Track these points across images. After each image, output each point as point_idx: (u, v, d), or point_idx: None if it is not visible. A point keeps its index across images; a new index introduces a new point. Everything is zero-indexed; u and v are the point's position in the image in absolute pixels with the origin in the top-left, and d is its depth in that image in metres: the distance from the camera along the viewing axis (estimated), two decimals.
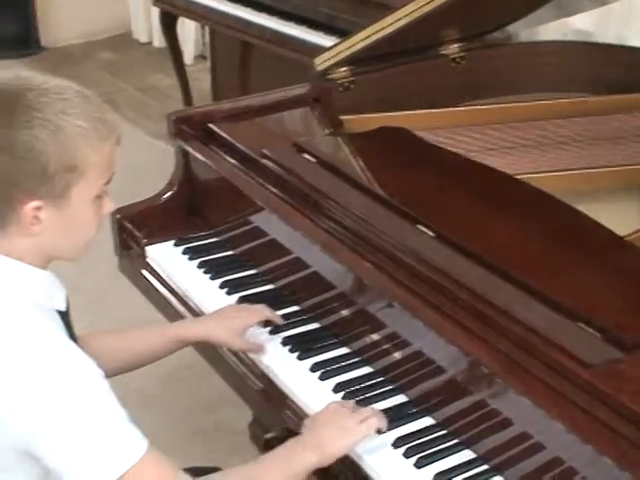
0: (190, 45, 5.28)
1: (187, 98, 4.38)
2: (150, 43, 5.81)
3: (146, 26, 5.78)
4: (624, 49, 2.48)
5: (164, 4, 4.03)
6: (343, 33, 3.30)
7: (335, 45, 2.16)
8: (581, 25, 3.22)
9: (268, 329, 1.77)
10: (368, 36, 2.09)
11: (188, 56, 5.13)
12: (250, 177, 1.88)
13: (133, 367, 1.70)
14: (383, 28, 2.07)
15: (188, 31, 5.24)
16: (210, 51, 4.53)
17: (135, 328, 1.76)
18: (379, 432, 1.49)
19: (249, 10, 3.66)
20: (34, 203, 1.29)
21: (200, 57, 5.47)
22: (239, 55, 4.12)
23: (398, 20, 2.04)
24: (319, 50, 3.25)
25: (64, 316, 1.40)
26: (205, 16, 3.90)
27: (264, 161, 1.87)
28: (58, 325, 1.36)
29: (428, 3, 2.00)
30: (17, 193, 1.29)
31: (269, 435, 2.49)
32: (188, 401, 2.85)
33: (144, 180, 2.90)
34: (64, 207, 1.32)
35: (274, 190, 1.83)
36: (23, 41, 5.64)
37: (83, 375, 1.29)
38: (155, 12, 5.50)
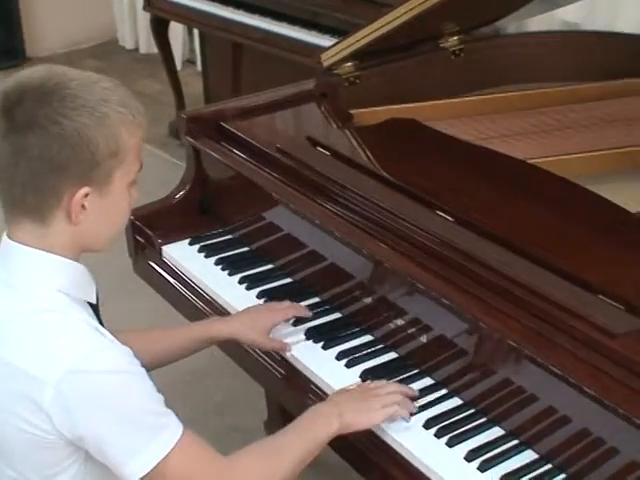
0: (178, 50, 5.29)
1: (180, 103, 4.41)
2: (137, 49, 5.82)
3: (132, 32, 5.80)
4: (620, 36, 2.52)
5: (155, 9, 4.06)
6: (334, 31, 3.37)
7: (340, 41, 2.20)
8: (568, 17, 3.27)
9: (291, 321, 1.80)
10: (371, 32, 2.13)
11: (176, 61, 5.15)
12: (265, 171, 1.91)
13: (161, 364, 1.72)
14: (386, 24, 2.11)
15: (175, 37, 5.26)
16: (201, 55, 4.57)
17: (163, 327, 1.79)
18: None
19: (241, 12, 3.70)
20: (83, 190, 1.32)
21: (188, 62, 5.50)
22: (230, 57, 4.16)
23: (401, 16, 2.08)
24: (312, 48, 3.33)
25: (95, 309, 1.43)
26: (196, 19, 3.94)
27: (279, 155, 1.90)
28: (90, 315, 1.40)
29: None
30: (67, 182, 1.32)
31: None
32: (197, 404, 2.84)
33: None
34: (106, 194, 1.36)
35: (290, 183, 1.86)
36: (8, 52, 5.64)
37: (121, 362, 1.32)
38: (141, 18, 5.55)
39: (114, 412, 1.30)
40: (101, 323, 1.45)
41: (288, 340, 1.75)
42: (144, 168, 1.44)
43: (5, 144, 1.31)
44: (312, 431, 1.48)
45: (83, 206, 1.34)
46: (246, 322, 1.74)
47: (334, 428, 1.48)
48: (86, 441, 1.32)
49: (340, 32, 3.35)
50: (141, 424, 1.32)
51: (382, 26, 2.10)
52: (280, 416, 2.52)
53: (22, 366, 1.30)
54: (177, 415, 1.38)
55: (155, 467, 1.31)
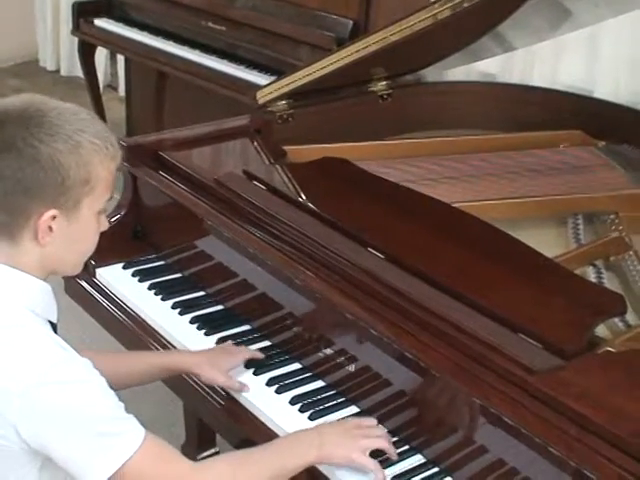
0: (99, 75, 5.30)
1: None
2: (58, 71, 5.81)
3: (54, 54, 5.79)
4: (539, 90, 2.68)
5: (83, 34, 4.09)
6: (249, 63, 3.49)
7: (275, 81, 2.29)
8: (485, 68, 3.43)
9: None
10: (308, 74, 2.23)
11: None
12: (202, 201, 1.99)
13: (121, 387, 1.76)
14: (322, 67, 2.21)
15: (98, 62, 5.27)
16: (125, 81, 4.61)
17: (129, 352, 1.86)
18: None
19: (170, 42, 3.78)
20: (51, 212, 1.39)
21: (109, 87, 5.51)
22: (154, 85, 4.22)
23: (337, 61, 2.19)
24: (233, 81, 3.45)
25: (54, 328, 1.48)
26: (123, 46, 3.99)
27: (217, 187, 1.98)
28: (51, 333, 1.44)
29: (365, 48, 2.16)
30: (36, 203, 1.38)
31: (203, 455, 2.59)
32: None
33: None
34: (73, 219, 1.42)
35: (227, 213, 1.94)
36: None
37: (82, 373, 1.38)
38: (64, 40, 5.54)
39: (78, 420, 1.35)
40: None
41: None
42: None
43: None
44: (288, 454, 1.51)
45: (50, 228, 1.40)
46: (208, 360, 1.78)
47: (311, 457, 1.51)
48: (51, 449, 1.36)
49: (257, 65, 3.50)
50: (104, 430, 1.36)
51: (318, 69, 2.20)
52: (197, 440, 2.57)
53: None
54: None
55: (119, 470, 1.36)
